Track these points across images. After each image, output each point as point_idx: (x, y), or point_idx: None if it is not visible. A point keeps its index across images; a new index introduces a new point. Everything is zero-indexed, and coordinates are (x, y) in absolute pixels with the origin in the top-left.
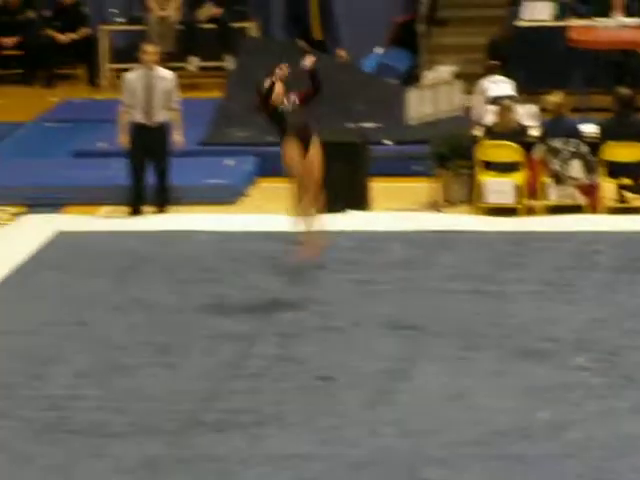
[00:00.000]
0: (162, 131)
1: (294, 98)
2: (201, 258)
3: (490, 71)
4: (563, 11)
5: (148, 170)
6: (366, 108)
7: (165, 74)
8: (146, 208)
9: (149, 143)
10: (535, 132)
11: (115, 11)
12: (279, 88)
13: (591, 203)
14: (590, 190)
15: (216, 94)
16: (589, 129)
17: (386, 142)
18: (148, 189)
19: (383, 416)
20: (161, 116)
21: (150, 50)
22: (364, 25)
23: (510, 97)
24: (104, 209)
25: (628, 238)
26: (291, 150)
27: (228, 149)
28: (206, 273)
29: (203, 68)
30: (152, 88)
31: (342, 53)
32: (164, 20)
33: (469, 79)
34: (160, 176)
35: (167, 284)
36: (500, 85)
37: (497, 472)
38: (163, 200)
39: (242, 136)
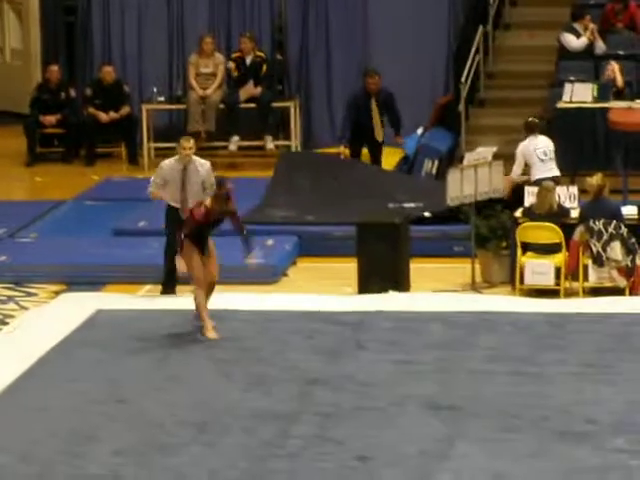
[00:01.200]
0: None
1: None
2: (241, 337)
3: (530, 130)
4: (603, 93)
5: None
6: (407, 196)
7: (201, 166)
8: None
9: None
10: (575, 213)
11: (156, 90)
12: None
13: (631, 285)
14: (630, 272)
15: (255, 173)
16: (629, 211)
17: (426, 214)
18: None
19: None
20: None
21: (188, 145)
22: (406, 105)
23: (553, 178)
24: (144, 288)
25: None
26: (192, 256)
27: (268, 229)
28: (246, 352)
29: (243, 147)
30: (187, 183)
31: (400, 140)
32: (205, 99)
33: (509, 160)
34: None
35: (207, 363)
36: (541, 143)
37: None
38: None
39: (281, 216)
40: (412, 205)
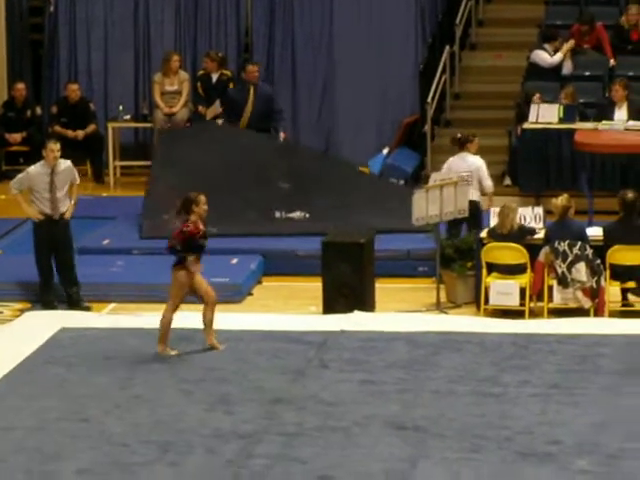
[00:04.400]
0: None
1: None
2: (205, 357)
3: (461, 147)
4: (569, 114)
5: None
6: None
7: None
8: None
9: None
10: (540, 234)
11: (122, 108)
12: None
13: (595, 306)
14: (594, 293)
15: None
16: (594, 232)
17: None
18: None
19: None
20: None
21: (56, 148)
22: (372, 125)
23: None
24: (108, 306)
25: (632, 341)
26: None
27: (233, 247)
28: (210, 372)
29: None
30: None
31: (283, 135)
32: (171, 117)
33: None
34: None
35: (170, 382)
36: (465, 166)
37: None
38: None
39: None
40: (299, 214)
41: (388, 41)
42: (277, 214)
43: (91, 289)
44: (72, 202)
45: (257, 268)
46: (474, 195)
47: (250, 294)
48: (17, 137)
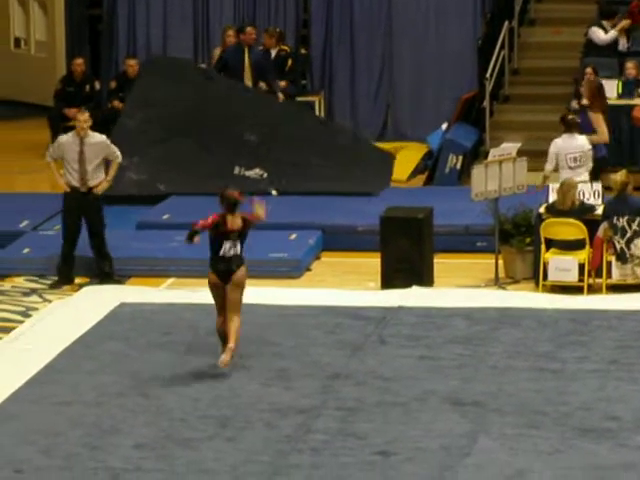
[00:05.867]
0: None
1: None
2: (263, 332)
3: (568, 128)
4: (628, 89)
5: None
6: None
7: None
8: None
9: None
10: (599, 210)
11: None
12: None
13: None
14: None
15: None
16: None
17: (274, 193)
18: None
19: None
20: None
21: (83, 118)
22: (430, 100)
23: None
24: (167, 281)
25: None
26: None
27: (291, 222)
28: (268, 347)
29: None
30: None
31: (262, 85)
32: None
33: (534, 156)
34: None
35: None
36: (575, 147)
37: None
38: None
39: (135, 180)
40: (257, 172)
41: (447, 17)
42: (236, 170)
43: (150, 264)
44: (108, 178)
45: (316, 243)
46: (584, 176)
47: (309, 269)
48: (75, 112)
